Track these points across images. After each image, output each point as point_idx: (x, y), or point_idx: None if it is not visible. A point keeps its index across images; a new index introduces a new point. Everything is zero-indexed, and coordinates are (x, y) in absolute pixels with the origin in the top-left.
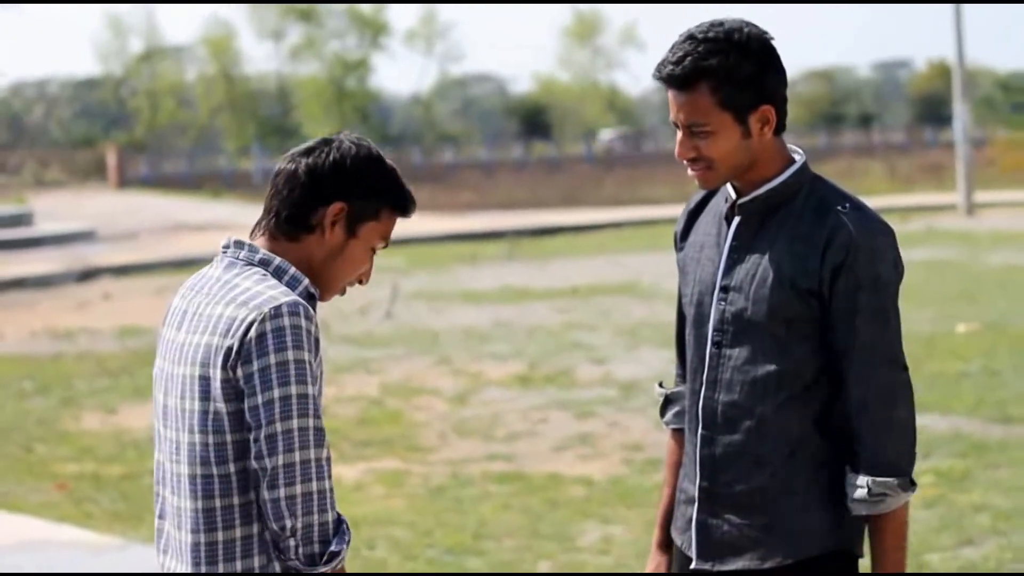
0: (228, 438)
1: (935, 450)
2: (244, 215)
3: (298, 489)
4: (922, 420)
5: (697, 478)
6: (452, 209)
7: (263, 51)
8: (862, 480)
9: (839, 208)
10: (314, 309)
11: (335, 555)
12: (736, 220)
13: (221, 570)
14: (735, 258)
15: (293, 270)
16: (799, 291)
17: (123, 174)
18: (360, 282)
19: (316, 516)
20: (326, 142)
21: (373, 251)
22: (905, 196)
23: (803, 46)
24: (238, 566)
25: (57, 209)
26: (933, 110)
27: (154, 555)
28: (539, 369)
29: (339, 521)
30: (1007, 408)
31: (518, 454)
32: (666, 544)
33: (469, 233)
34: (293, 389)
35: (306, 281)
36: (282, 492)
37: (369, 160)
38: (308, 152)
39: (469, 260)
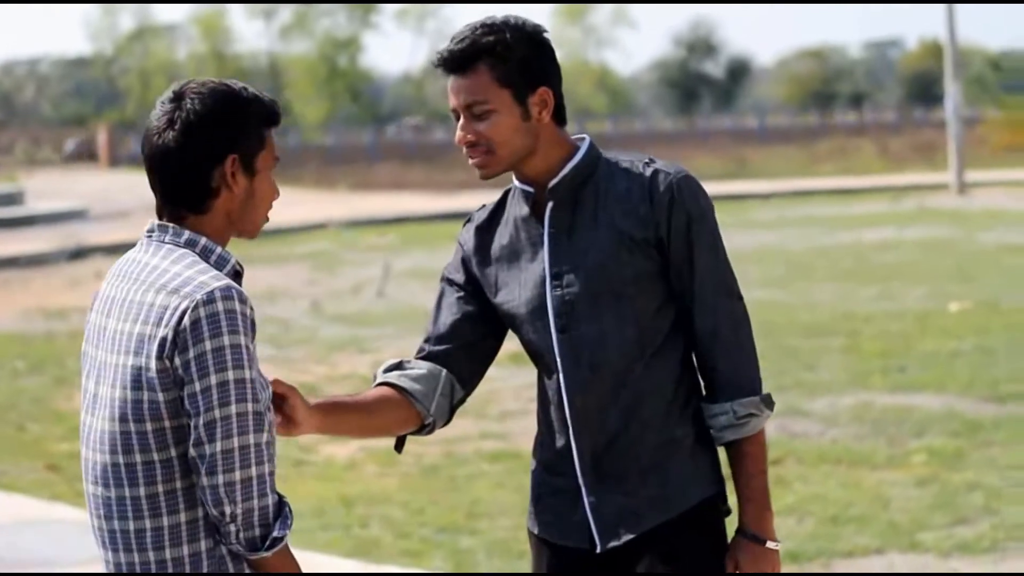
0: (167, 424)
1: (928, 429)
2: None
3: (237, 475)
4: (915, 399)
5: (578, 468)
6: (444, 188)
7: (254, 29)
8: (725, 406)
9: (645, 160)
10: (240, 284)
11: (277, 540)
12: (549, 206)
13: (169, 556)
14: (558, 242)
15: (219, 249)
16: (637, 243)
17: (114, 153)
18: (274, 199)
19: (256, 501)
20: (177, 104)
21: (271, 170)
22: (897, 175)
23: (794, 25)
24: (185, 550)
25: (48, 188)
26: (925, 89)
27: None
28: None
29: (280, 504)
30: (1000, 386)
31: (512, 432)
32: (315, 409)
33: (462, 212)
34: (230, 375)
35: (233, 259)
36: (221, 479)
37: (227, 101)
38: (170, 122)
39: None
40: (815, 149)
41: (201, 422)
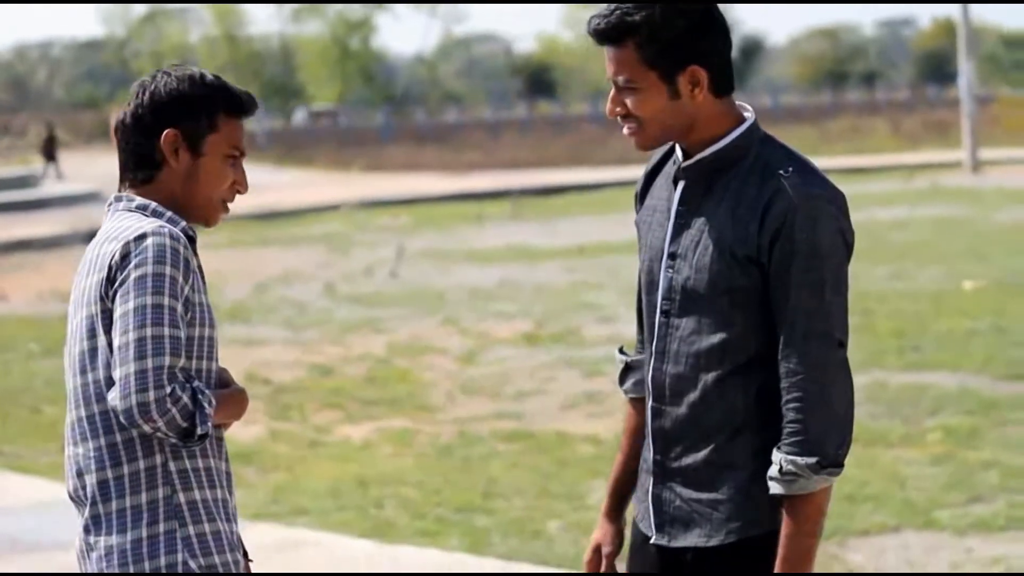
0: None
1: (944, 407)
2: (249, 175)
3: (151, 395)
4: (931, 378)
5: (651, 451)
6: (457, 169)
7: (266, 12)
8: (777, 456)
9: (781, 172)
10: (194, 251)
11: (204, 436)
12: (681, 184)
13: (128, 504)
14: (681, 223)
15: (169, 213)
16: (738, 259)
17: None
18: (239, 192)
19: (166, 417)
20: (142, 85)
21: (233, 160)
22: (910, 154)
23: (807, 4)
24: (143, 498)
25: (62, 171)
26: (938, 68)
27: None
28: (546, 328)
29: (192, 400)
30: (1016, 365)
31: (526, 413)
32: (614, 513)
33: (474, 193)
34: (149, 299)
35: (183, 223)
36: (134, 399)
37: (182, 81)
38: (130, 100)
39: (474, 220)
40: (828, 128)
41: (116, 344)
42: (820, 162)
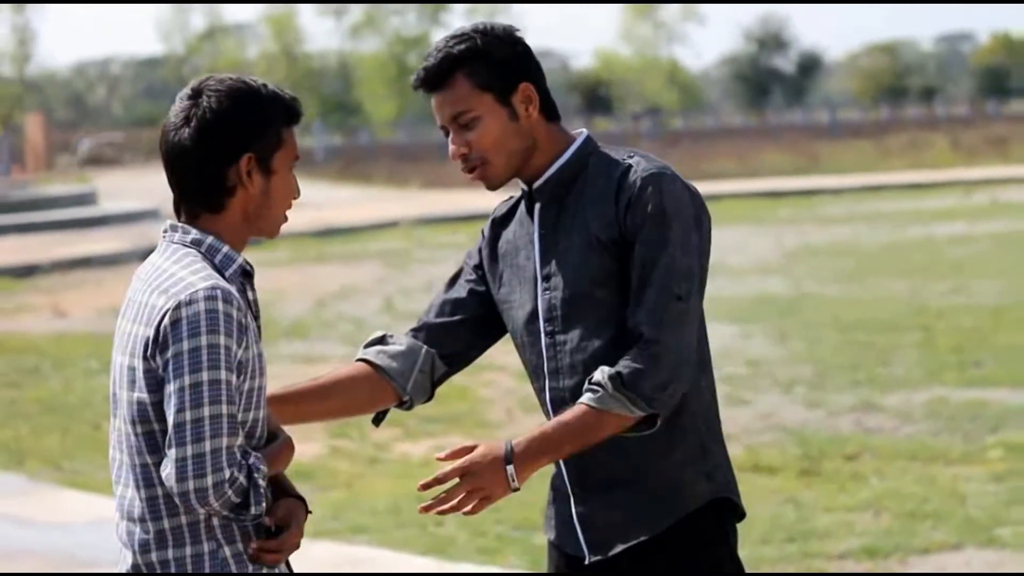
0: (155, 427)
1: (1004, 423)
2: (307, 193)
3: (209, 480)
4: (991, 394)
5: (565, 475)
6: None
7: (324, 28)
8: (596, 374)
9: (625, 158)
10: (251, 285)
11: (257, 516)
12: (537, 207)
13: (171, 556)
14: (546, 244)
15: (226, 248)
16: (605, 245)
17: None
18: (294, 198)
19: (220, 503)
20: (194, 102)
21: (291, 169)
22: (969, 169)
23: (865, 20)
24: (187, 551)
25: (120, 188)
26: (997, 83)
27: None
28: None
29: (248, 481)
30: None
31: None
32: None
33: None
34: (204, 375)
35: (240, 259)
36: (192, 484)
37: (243, 97)
38: (186, 119)
39: None
40: (886, 144)
41: (171, 423)
42: (879, 178)
